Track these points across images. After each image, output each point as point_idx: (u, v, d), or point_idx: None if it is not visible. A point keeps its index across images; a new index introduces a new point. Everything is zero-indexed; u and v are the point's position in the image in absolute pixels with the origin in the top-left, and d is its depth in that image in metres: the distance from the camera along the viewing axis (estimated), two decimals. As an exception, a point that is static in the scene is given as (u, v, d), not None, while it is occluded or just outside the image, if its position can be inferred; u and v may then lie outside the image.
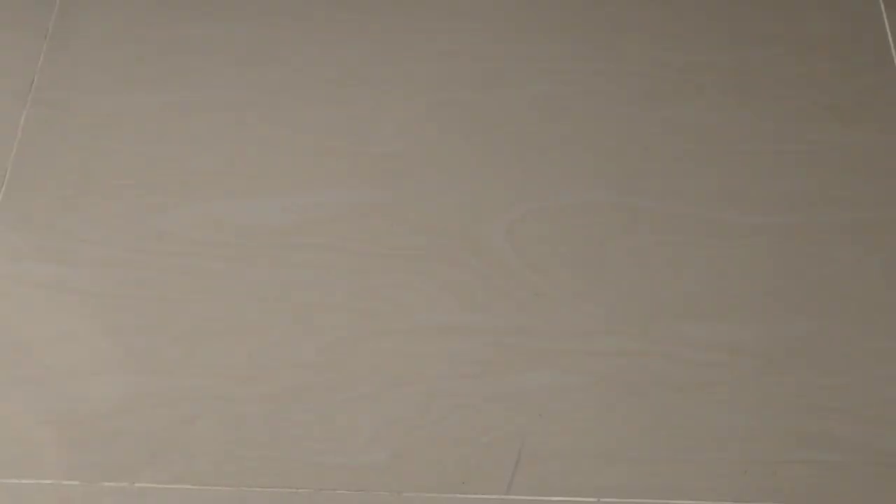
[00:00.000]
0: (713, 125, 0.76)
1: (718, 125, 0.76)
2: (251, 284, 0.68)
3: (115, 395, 0.64)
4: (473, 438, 0.63)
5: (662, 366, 0.65)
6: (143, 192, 0.73)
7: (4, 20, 0.82)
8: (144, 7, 0.83)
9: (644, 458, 0.62)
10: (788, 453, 0.62)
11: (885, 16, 0.82)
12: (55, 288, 0.69)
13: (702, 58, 0.80)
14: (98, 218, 0.72)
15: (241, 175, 0.74)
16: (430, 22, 0.82)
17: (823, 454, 0.62)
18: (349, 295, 0.68)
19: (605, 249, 0.70)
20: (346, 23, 0.82)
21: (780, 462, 0.62)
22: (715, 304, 0.68)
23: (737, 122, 0.76)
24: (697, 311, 0.68)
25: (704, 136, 0.76)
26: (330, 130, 0.76)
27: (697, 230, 0.71)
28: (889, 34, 0.81)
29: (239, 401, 0.64)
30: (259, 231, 0.71)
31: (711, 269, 0.70)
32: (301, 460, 0.62)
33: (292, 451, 0.62)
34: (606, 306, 0.68)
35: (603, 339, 0.67)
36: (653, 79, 0.79)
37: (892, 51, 0.80)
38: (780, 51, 0.81)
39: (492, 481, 0.61)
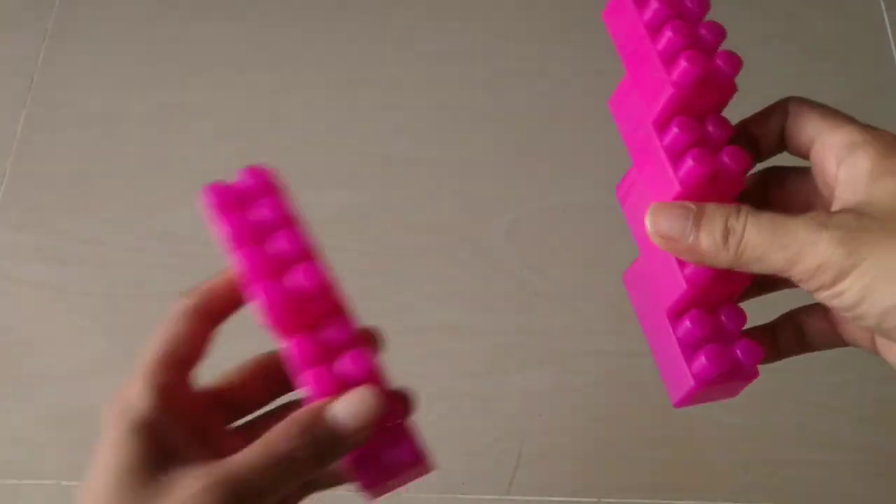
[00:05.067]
0: (713, 125, 0.76)
1: (718, 125, 0.76)
2: (251, 284, 0.68)
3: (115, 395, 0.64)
4: (473, 438, 0.63)
5: (663, 366, 0.65)
6: (144, 191, 0.73)
7: (3, 20, 0.82)
8: (145, 7, 0.82)
9: (644, 458, 0.62)
10: (789, 452, 0.62)
11: (885, 16, 0.82)
12: (55, 288, 0.69)
13: (701, 58, 0.80)
14: (98, 218, 0.72)
15: (241, 175, 0.74)
16: (431, 22, 0.82)
17: (823, 454, 0.62)
18: (349, 295, 0.68)
19: (606, 249, 0.70)
20: (346, 22, 0.82)
21: (781, 461, 0.62)
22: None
23: (736, 122, 0.76)
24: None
25: (704, 136, 0.75)
26: (330, 130, 0.76)
27: (697, 230, 0.71)
28: (889, 34, 0.81)
29: (239, 401, 0.64)
30: (259, 231, 0.71)
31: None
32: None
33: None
34: (607, 306, 0.68)
35: (603, 339, 0.67)
36: (652, 79, 0.79)
37: (893, 51, 0.80)
38: (780, 51, 0.81)
39: (492, 481, 0.61)
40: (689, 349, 0.32)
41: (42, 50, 0.80)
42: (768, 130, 0.32)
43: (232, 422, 0.34)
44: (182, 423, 0.29)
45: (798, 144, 0.31)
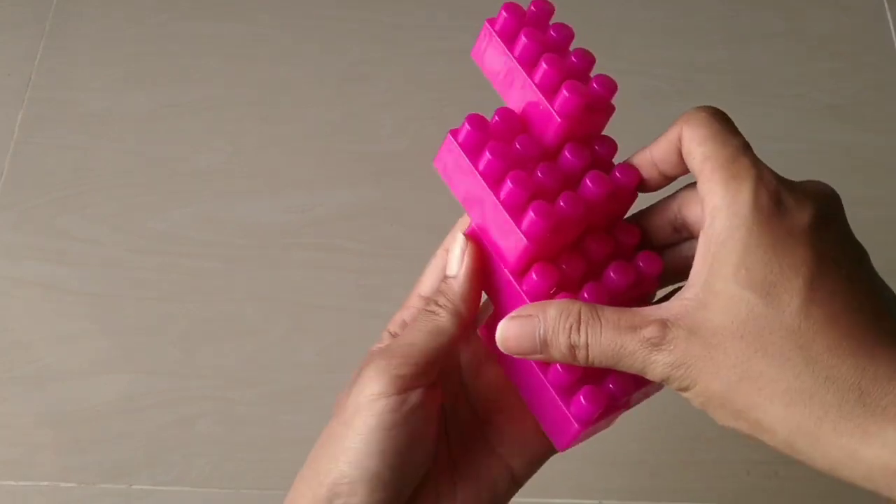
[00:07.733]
0: (714, 125, 0.76)
1: (719, 125, 0.76)
2: (251, 284, 0.68)
3: (114, 395, 0.64)
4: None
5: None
6: (143, 191, 0.73)
7: (1, 19, 0.82)
8: (142, 6, 0.82)
9: (646, 460, 0.62)
10: (790, 454, 0.62)
11: (888, 13, 0.82)
12: (53, 288, 0.68)
13: (702, 57, 0.80)
14: (97, 217, 0.72)
15: (241, 175, 0.74)
16: (431, 21, 0.82)
17: (825, 455, 0.62)
18: (349, 295, 0.68)
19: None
20: (346, 22, 0.82)
21: (782, 462, 0.62)
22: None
23: (737, 122, 0.76)
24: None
25: (705, 136, 0.75)
26: (330, 130, 0.76)
27: (698, 230, 0.71)
28: (892, 32, 0.81)
29: (238, 402, 0.64)
30: (259, 231, 0.71)
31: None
32: (300, 462, 0.62)
33: (291, 453, 0.62)
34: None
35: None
36: (653, 78, 0.79)
37: None
38: (781, 49, 0.81)
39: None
40: (565, 393, 0.32)
41: (40, 49, 0.80)
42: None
43: None
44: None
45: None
